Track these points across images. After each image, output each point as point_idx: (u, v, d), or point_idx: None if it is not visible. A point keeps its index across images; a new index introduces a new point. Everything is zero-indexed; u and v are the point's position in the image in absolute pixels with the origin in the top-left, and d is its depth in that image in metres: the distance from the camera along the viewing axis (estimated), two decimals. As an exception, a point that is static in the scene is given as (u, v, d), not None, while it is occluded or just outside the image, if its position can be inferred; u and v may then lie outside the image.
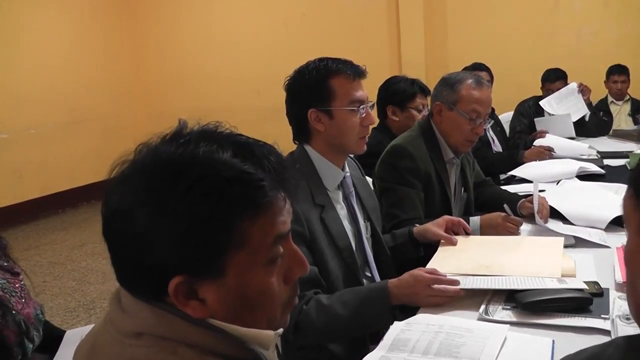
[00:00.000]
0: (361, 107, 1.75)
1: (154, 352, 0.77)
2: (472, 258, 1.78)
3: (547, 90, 4.62)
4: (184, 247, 0.76)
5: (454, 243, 1.89)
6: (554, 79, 4.61)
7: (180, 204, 0.75)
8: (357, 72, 1.75)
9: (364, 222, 1.90)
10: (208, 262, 0.77)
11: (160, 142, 0.82)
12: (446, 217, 1.98)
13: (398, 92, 3.09)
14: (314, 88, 1.73)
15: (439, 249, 1.88)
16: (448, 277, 1.59)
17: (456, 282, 1.57)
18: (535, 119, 4.43)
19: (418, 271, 1.59)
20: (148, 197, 0.76)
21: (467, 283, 1.58)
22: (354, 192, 1.87)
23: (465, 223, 1.97)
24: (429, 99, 3.20)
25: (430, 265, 1.73)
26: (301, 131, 1.80)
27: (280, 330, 0.87)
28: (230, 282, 0.79)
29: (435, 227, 1.94)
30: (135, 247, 0.77)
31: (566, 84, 4.58)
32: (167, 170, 0.77)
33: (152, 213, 0.76)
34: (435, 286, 1.55)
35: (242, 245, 0.78)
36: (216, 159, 0.78)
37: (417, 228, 1.98)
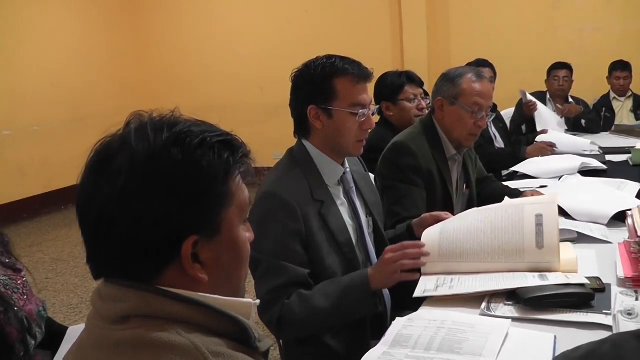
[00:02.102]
0: (361, 110, 1.73)
1: (142, 332, 0.78)
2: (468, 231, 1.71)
3: (553, 77, 4.66)
4: (195, 206, 0.81)
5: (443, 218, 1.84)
6: (559, 67, 4.68)
7: (187, 166, 0.81)
8: (362, 75, 1.73)
9: (366, 217, 1.89)
10: (212, 219, 0.84)
11: (152, 127, 0.84)
12: (433, 214, 1.90)
13: (387, 86, 3.11)
14: (317, 85, 1.72)
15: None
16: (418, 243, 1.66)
17: (421, 245, 1.63)
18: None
19: (385, 252, 1.62)
20: (157, 170, 0.80)
21: (468, 287, 1.57)
22: (354, 188, 1.86)
23: (448, 213, 1.89)
24: (424, 90, 3.21)
25: (423, 238, 1.73)
26: (301, 126, 1.79)
27: (258, 301, 0.94)
28: (224, 239, 0.86)
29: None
30: (150, 220, 0.79)
31: (571, 73, 4.65)
32: (170, 142, 0.82)
33: (168, 184, 0.80)
34: (402, 261, 1.58)
35: (232, 200, 0.86)
36: (205, 128, 0.86)
37: (414, 221, 1.96)
